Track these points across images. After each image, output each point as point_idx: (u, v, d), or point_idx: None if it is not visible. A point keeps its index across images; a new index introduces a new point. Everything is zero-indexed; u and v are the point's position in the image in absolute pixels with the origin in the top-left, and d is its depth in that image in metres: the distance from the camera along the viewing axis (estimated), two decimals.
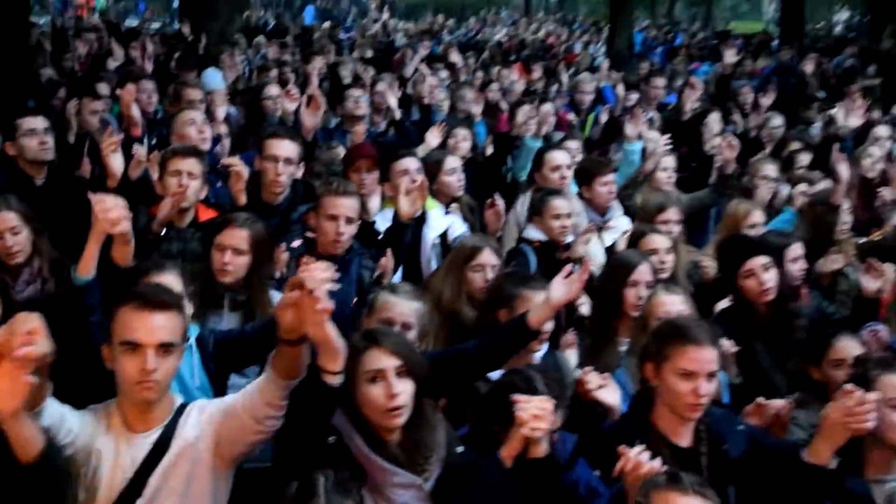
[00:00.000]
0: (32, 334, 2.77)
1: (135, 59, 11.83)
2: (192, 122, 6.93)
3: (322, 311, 3.04)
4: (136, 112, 6.90)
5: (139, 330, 3.20)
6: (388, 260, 5.39)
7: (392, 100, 9.43)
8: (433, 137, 7.82)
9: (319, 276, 3.40)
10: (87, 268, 3.99)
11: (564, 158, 7.15)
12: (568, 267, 4.26)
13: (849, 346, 4.61)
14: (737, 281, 5.40)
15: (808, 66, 14.80)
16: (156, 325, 3.22)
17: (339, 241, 5.18)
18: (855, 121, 10.10)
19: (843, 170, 7.04)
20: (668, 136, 8.35)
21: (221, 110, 8.59)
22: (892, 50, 24.09)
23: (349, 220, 5.19)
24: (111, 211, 3.87)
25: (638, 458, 3.19)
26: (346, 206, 5.18)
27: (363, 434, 3.47)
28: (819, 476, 3.63)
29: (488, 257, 5.15)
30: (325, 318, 3.08)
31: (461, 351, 4.35)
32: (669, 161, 7.87)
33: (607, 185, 7.03)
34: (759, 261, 5.34)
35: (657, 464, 3.19)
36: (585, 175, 7.15)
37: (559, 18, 46.58)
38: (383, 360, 3.48)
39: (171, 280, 4.16)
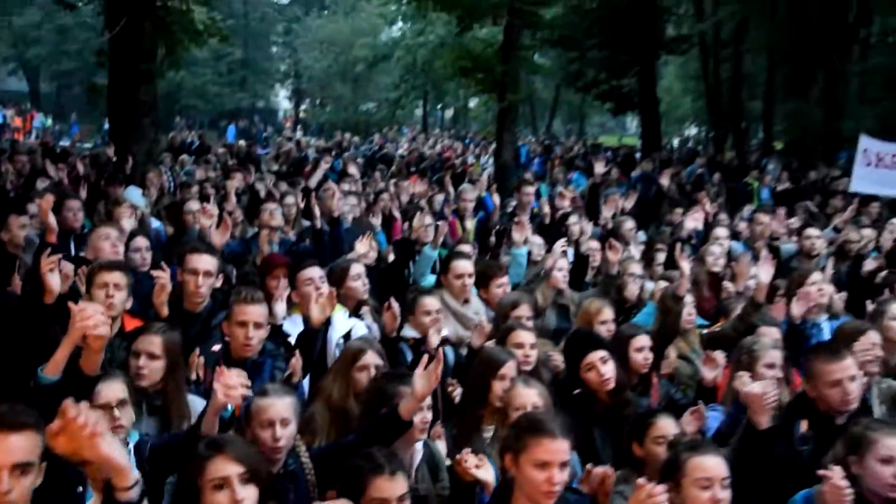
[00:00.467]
0: None
1: (61, 180, 11.79)
2: (107, 237, 6.88)
3: (91, 434, 2.99)
4: (51, 220, 6.79)
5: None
6: (297, 360, 5.33)
7: (317, 210, 9.50)
8: (363, 246, 7.88)
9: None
10: (55, 369, 3.82)
11: (468, 267, 7.18)
12: (424, 359, 4.35)
13: (668, 425, 4.73)
14: (580, 373, 5.49)
15: (665, 177, 15.26)
16: (10, 447, 3.06)
17: (249, 346, 5.15)
18: (694, 223, 10.35)
19: (685, 266, 7.33)
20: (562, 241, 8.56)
21: (128, 223, 8.41)
22: (733, 161, 25.00)
23: (257, 326, 5.16)
24: (91, 318, 3.74)
25: None
26: (253, 312, 5.16)
27: None
28: None
29: (372, 358, 5.12)
30: (96, 441, 3.01)
31: (343, 444, 4.41)
32: (564, 262, 8.00)
33: (502, 286, 7.14)
34: (598, 355, 5.44)
35: None
36: (482, 278, 7.24)
37: (453, 134, 47.46)
38: (228, 468, 3.43)
39: (117, 388, 4.12)
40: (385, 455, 3.77)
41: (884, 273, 9.05)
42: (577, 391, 5.53)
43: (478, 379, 5.14)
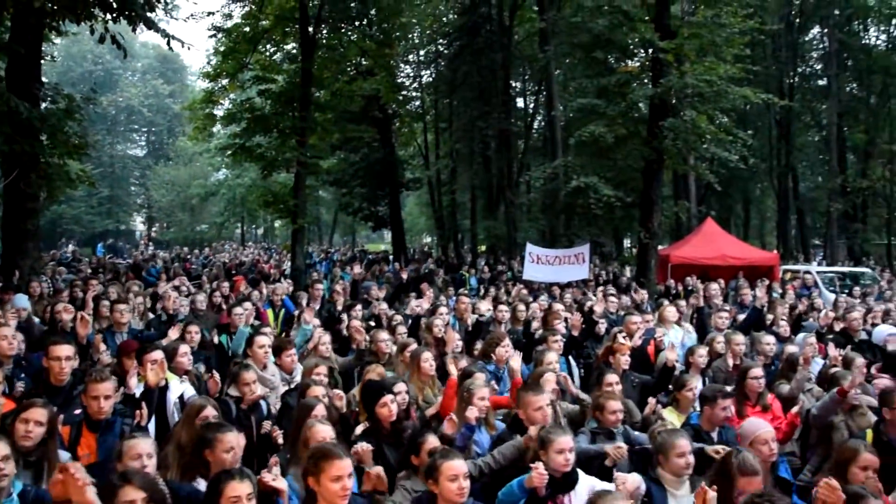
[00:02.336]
0: None
1: None
2: (4, 336, 6.42)
3: (82, 485, 3.03)
4: None
5: None
6: (143, 411, 5.15)
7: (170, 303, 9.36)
8: (174, 332, 7.60)
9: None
10: None
11: (267, 340, 7.03)
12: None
13: (433, 441, 4.68)
14: (374, 410, 5.31)
15: (404, 273, 15.65)
16: None
17: (101, 412, 4.89)
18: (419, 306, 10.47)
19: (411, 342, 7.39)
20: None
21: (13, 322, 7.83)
22: (452, 259, 25.65)
23: (107, 398, 4.91)
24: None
25: None
26: (103, 388, 4.91)
27: None
28: None
29: (210, 411, 4.88)
30: (84, 489, 3.06)
31: None
32: (326, 338, 7.72)
33: (290, 356, 6.96)
34: (388, 397, 5.31)
35: None
36: (277, 349, 7.03)
37: (262, 246, 46.83)
38: (133, 494, 3.30)
39: (2, 446, 3.78)
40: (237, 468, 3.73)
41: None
42: (365, 426, 5.37)
43: (298, 420, 4.95)
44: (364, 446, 4.61)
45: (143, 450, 4.01)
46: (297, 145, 19.85)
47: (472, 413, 5.12)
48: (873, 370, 7.67)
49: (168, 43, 13.29)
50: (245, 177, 40.77)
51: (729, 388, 5.78)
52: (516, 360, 6.45)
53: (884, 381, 6.74)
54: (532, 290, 14.82)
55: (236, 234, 57.16)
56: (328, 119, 22.60)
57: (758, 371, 6.31)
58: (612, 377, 6.02)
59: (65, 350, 5.69)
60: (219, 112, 23.49)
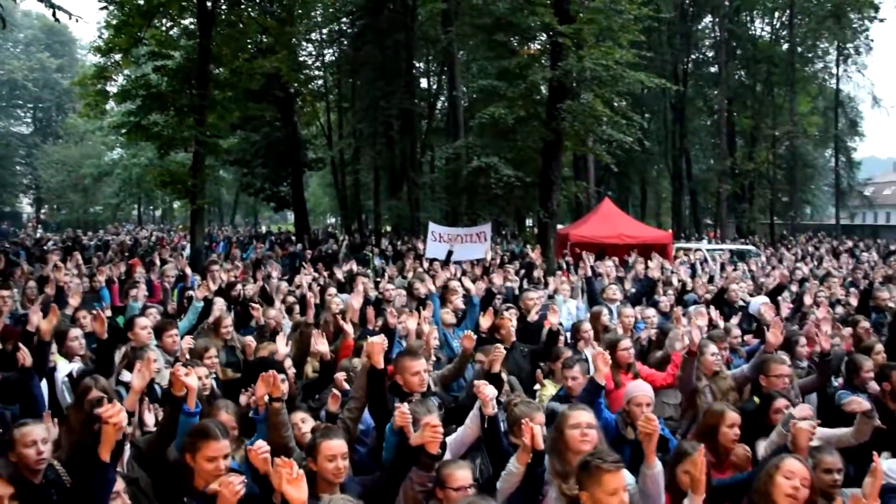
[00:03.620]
0: None
1: None
2: None
3: None
4: None
5: None
6: (23, 352, 5.17)
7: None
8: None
9: None
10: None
11: (148, 322, 6.83)
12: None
13: (306, 419, 4.79)
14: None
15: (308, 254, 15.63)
16: None
17: None
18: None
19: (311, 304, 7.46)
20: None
21: None
22: (357, 239, 25.65)
23: None
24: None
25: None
26: None
27: None
28: None
29: (96, 393, 4.64)
30: None
31: None
32: (228, 320, 7.66)
33: (172, 336, 6.76)
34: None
35: None
36: (158, 331, 6.83)
37: (159, 227, 45.66)
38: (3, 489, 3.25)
39: None
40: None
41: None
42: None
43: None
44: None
45: (37, 436, 3.89)
46: (196, 124, 19.37)
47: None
48: (747, 338, 8.27)
49: (54, 14, 12.77)
50: (141, 156, 39.51)
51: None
52: (412, 321, 6.76)
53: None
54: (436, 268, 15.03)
55: (133, 216, 55.37)
56: (228, 97, 22.03)
57: (627, 343, 6.76)
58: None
59: None
60: (112, 88, 22.53)
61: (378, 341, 4.73)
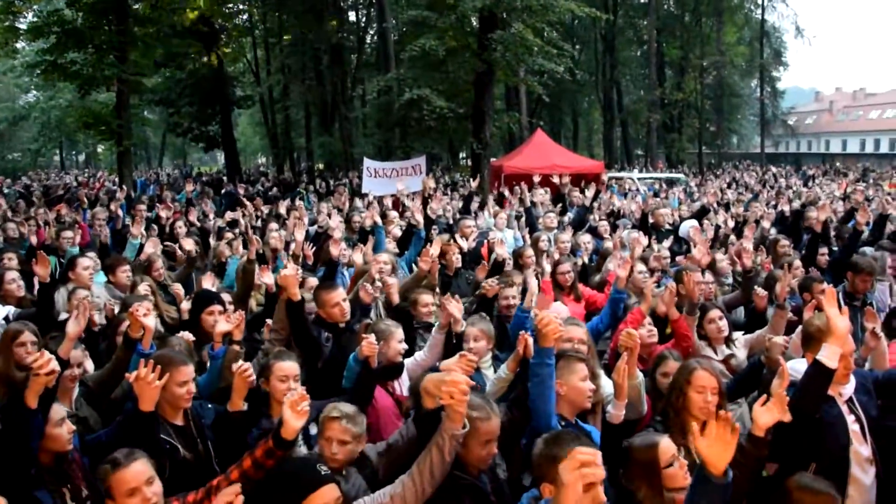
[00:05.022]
0: None
1: None
2: None
3: None
4: None
5: None
6: None
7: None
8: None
9: None
10: None
11: (90, 262, 6.62)
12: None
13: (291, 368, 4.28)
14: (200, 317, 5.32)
15: (241, 190, 15.42)
16: None
17: None
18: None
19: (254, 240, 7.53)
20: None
21: None
22: (289, 178, 25.27)
23: None
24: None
25: None
26: None
27: None
28: None
29: (28, 336, 4.45)
30: None
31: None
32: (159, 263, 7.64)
33: (125, 271, 6.68)
34: (217, 307, 5.30)
35: None
36: (109, 268, 6.80)
37: (83, 172, 44.21)
38: None
39: None
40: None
41: None
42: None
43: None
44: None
45: None
46: (117, 62, 18.73)
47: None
48: (678, 259, 8.64)
49: None
50: (60, 98, 37.90)
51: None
52: (357, 255, 6.93)
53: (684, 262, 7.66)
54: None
55: (56, 162, 53.41)
56: (150, 34, 21.29)
57: (566, 266, 7.00)
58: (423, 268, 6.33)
59: None
60: (21, 25, 21.53)
61: (290, 273, 4.76)
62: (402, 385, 4.72)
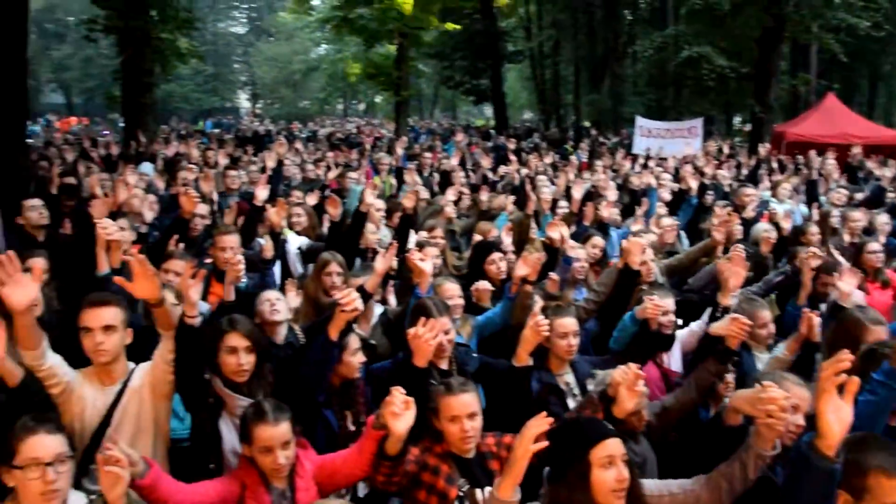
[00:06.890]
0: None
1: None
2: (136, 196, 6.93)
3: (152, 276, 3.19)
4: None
5: (88, 320, 3.16)
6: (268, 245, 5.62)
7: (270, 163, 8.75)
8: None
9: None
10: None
11: (381, 203, 7.37)
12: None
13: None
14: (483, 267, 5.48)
15: (511, 144, 15.77)
16: (100, 315, 3.16)
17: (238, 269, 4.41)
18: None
19: (532, 196, 7.55)
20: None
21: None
22: (556, 134, 25.35)
23: (231, 248, 4.99)
24: None
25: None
26: (228, 240, 5.08)
27: (222, 379, 3.37)
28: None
29: (335, 267, 4.93)
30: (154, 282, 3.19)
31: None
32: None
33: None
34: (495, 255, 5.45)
35: None
36: (391, 211, 7.46)
37: (363, 119, 47.57)
38: (238, 340, 3.35)
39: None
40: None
41: None
42: None
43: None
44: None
45: (275, 296, 4.29)
46: (399, 16, 19.69)
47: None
48: None
49: None
50: (346, 51, 40.82)
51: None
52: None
53: None
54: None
55: (339, 110, 57.76)
56: None
57: (875, 246, 6.16)
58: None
59: (201, 209, 6.29)
60: None
61: (637, 241, 4.80)
62: (672, 358, 4.61)
